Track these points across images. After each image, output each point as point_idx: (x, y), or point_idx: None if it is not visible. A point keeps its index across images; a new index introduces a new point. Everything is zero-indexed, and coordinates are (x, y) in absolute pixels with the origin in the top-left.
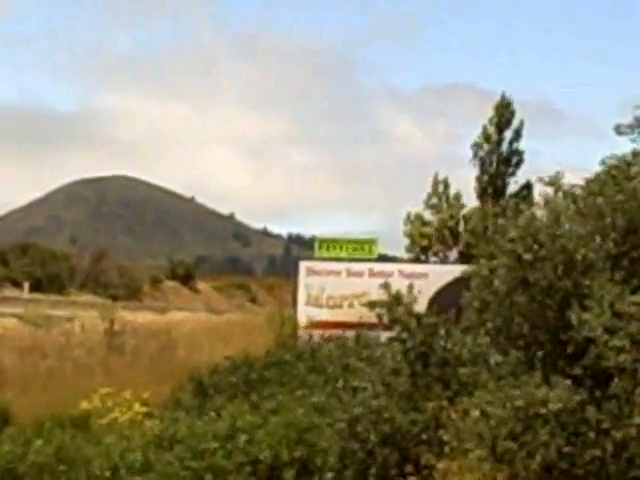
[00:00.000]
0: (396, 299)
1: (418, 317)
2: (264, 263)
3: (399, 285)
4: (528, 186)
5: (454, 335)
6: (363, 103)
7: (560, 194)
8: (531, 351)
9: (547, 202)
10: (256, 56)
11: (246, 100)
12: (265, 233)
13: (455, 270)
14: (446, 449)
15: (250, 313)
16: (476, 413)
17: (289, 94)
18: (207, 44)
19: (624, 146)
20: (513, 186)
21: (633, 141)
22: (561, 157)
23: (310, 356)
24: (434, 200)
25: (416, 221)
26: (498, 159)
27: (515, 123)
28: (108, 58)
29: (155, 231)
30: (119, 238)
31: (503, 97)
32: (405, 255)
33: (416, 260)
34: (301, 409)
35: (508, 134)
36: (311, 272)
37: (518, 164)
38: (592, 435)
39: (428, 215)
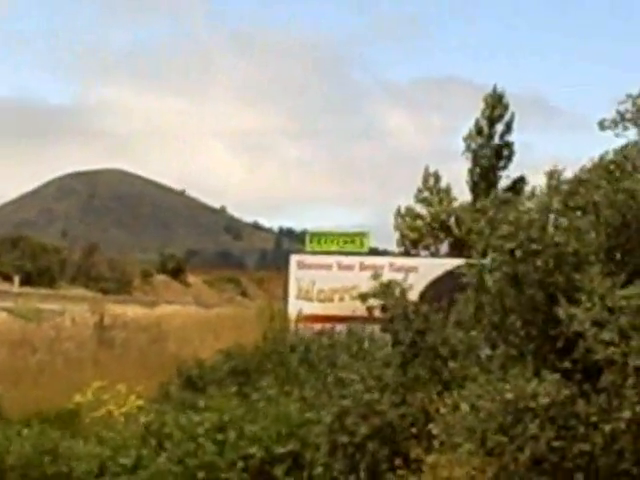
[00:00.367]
0: (388, 287)
1: (414, 304)
2: (255, 257)
3: (390, 278)
4: (521, 179)
5: (447, 327)
6: (358, 98)
7: (554, 187)
8: (522, 345)
9: (538, 196)
10: (252, 52)
11: (241, 95)
12: (256, 227)
13: (446, 263)
14: (435, 443)
15: (241, 307)
16: (466, 407)
17: (284, 89)
18: (204, 40)
19: (615, 140)
20: (505, 180)
21: (617, 136)
22: (554, 151)
23: (301, 350)
24: (425, 194)
25: (407, 215)
26: (490, 152)
27: (507, 116)
28: (105, 54)
29: (146, 224)
30: (110, 231)
31: (494, 90)
32: (396, 249)
33: (407, 254)
34: (292, 404)
35: (500, 127)
36: (302, 265)
37: (510, 157)
38: (581, 429)
39: (419, 209)
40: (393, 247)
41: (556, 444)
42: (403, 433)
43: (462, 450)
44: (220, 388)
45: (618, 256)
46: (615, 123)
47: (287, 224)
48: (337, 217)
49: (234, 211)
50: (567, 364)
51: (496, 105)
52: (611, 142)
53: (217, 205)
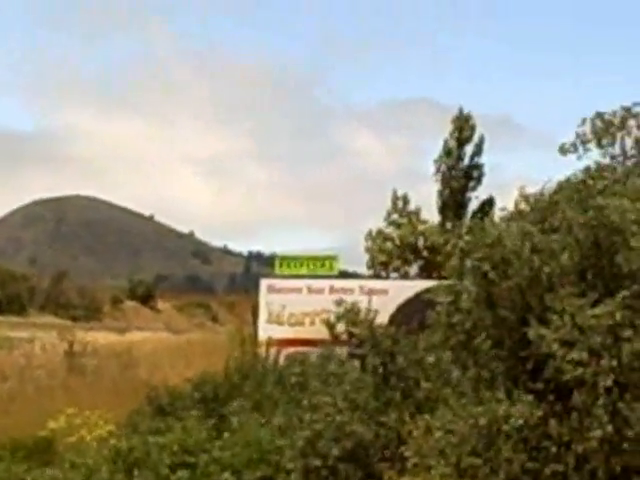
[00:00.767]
0: (351, 310)
1: (380, 328)
2: (224, 281)
3: (360, 301)
4: (490, 201)
5: (417, 349)
6: (323, 120)
7: (528, 210)
8: (492, 366)
9: (512, 219)
10: (216, 75)
11: (207, 119)
12: (225, 251)
13: (416, 286)
14: (408, 465)
15: (211, 332)
16: (439, 433)
17: (250, 112)
18: (166, 63)
19: (582, 159)
20: (474, 201)
21: (579, 158)
22: (522, 170)
23: (272, 376)
24: (394, 216)
25: (377, 237)
26: (459, 174)
27: (476, 137)
28: (66, 77)
29: (115, 250)
30: (79, 258)
31: (461, 111)
32: (366, 271)
33: (376, 276)
34: (263, 429)
35: (469, 148)
36: (272, 290)
37: (479, 178)
38: (554, 449)
39: (389, 231)
40: (363, 269)
41: (529, 466)
42: (376, 455)
43: (435, 472)
44: (190, 415)
45: (589, 276)
46: (575, 147)
47: (256, 248)
48: (306, 240)
49: (202, 235)
50: (539, 385)
51: (464, 127)
52: (573, 161)
53: (185, 230)
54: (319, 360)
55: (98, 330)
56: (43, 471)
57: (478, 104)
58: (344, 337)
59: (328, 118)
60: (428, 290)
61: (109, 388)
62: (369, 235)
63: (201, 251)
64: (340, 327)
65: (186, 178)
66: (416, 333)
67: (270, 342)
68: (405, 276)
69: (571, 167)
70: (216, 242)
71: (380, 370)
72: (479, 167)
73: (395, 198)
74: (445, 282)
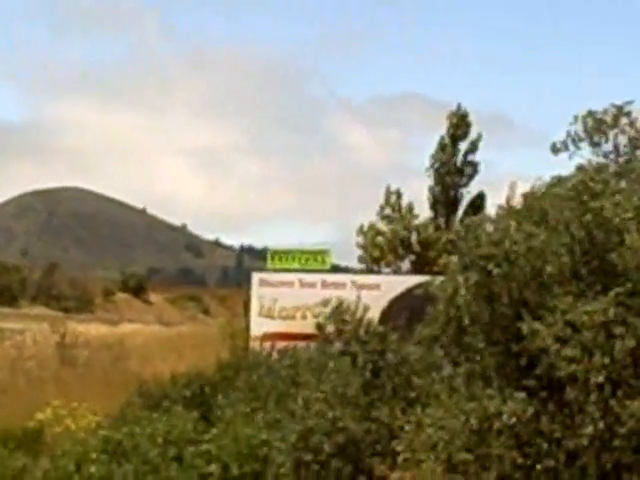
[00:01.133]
0: (339, 309)
1: (368, 326)
2: (216, 274)
3: (352, 296)
4: (480, 196)
5: (407, 345)
6: (315, 114)
7: (518, 205)
8: (485, 363)
9: (510, 216)
10: (207, 68)
11: (197, 111)
12: (217, 244)
13: (408, 281)
14: (399, 460)
15: (202, 325)
16: (430, 429)
17: (241, 105)
18: (159, 56)
19: (576, 156)
20: (466, 197)
21: (570, 158)
22: (514, 166)
23: (262, 369)
24: (387, 211)
25: (369, 232)
26: (451, 170)
27: (472, 135)
28: (58, 69)
29: (107, 243)
30: (71, 250)
31: (459, 108)
32: (358, 266)
33: (369, 271)
34: (252, 423)
35: (463, 145)
36: (264, 283)
37: (472, 175)
38: (545, 446)
39: (381, 226)
40: (355, 264)
41: (521, 462)
42: (367, 450)
43: (426, 467)
44: (180, 407)
45: (585, 275)
46: (566, 145)
47: (248, 241)
48: (298, 234)
49: (195, 229)
50: (531, 381)
51: (460, 124)
52: (569, 159)
53: (178, 223)
54: (311, 354)
55: (90, 322)
56: (34, 461)
57: (470, 100)
58: (334, 336)
59: (321, 112)
60: (422, 285)
61: (100, 380)
62: (361, 230)
63: (193, 244)
64: (329, 327)
65: (178, 171)
66: (406, 328)
67: (265, 337)
68: (397, 271)
69: (563, 164)
70: (208, 235)
71: (370, 367)
72: (474, 164)
73: (388, 193)
74: (440, 277)
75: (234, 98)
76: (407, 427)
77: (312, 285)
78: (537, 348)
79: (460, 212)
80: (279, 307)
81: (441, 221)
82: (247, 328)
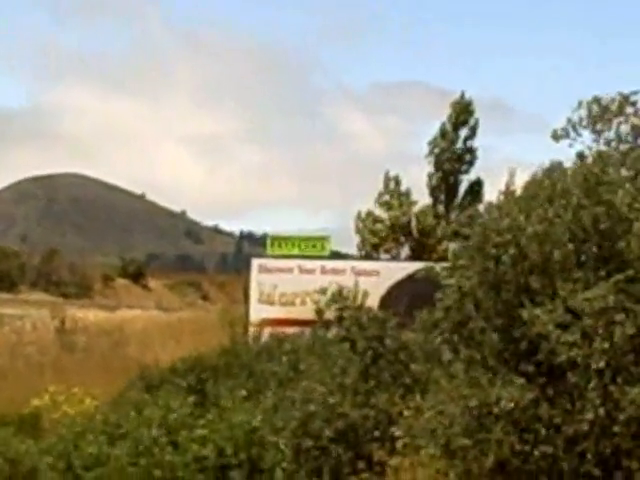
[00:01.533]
0: (339, 295)
1: (368, 311)
2: (216, 260)
3: (351, 282)
4: (478, 183)
5: (406, 331)
6: (315, 101)
7: (533, 195)
8: (485, 348)
9: (520, 203)
10: (208, 54)
11: (199, 98)
12: (217, 230)
13: (407, 267)
14: (398, 445)
15: (202, 311)
16: (430, 414)
17: (241, 93)
18: (159, 43)
19: (576, 143)
20: (464, 183)
21: (571, 145)
22: (512, 153)
23: (262, 355)
24: (385, 197)
25: (367, 218)
26: (451, 156)
27: (472, 121)
28: (58, 56)
29: (106, 229)
30: (70, 236)
31: (462, 96)
32: (357, 252)
33: (368, 257)
34: (247, 411)
35: (463, 132)
36: (263, 269)
37: (472, 162)
38: (544, 431)
39: (380, 212)
40: (354, 250)
41: (519, 448)
42: (366, 436)
43: (425, 453)
44: (179, 393)
45: (590, 262)
46: (566, 132)
47: (247, 228)
48: (298, 220)
49: (194, 215)
50: (531, 367)
51: (463, 111)
52: (565, 145)
53: (177, 209)
54: (309, 340)
55: (89, 307)
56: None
57: (470, 86)
58: (334, 321)
59: (322, 100)
60: (422, 271)
61: (99, 365)
62: (359, 216)
63: (193, 230)
64: (329, 313)
65: (178, 157)
66: (406, 315)
67: (264, 323)
68: (396, 258)
69: (562, 150)
70: (208, 222)
71: (369, 353)
72: (472, 151)
73: (387, 179)
74: (441, 264)
75: (235, 86)
76: (406, 413)
77: (311, 271)
78: (537, 334)
79: (459, 198)
80: (279, 293)
81: (440, 208)
82: (247, 314)
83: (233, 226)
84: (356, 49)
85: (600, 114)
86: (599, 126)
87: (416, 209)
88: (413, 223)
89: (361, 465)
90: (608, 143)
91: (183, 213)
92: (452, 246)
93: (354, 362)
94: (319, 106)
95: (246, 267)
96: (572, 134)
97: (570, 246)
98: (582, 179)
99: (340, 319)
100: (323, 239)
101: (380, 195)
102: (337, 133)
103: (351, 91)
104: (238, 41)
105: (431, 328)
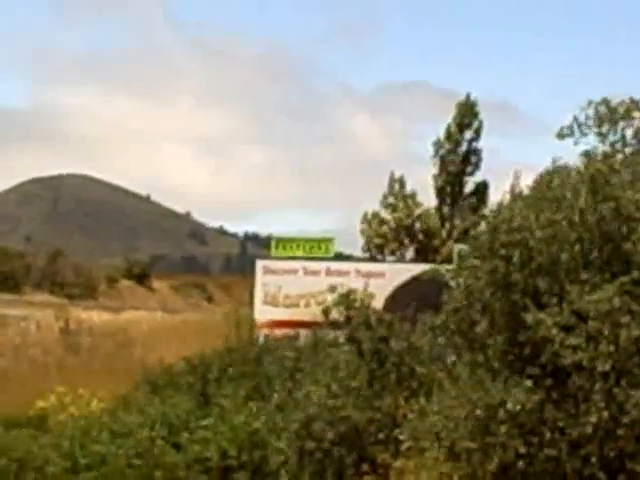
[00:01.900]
0: (348, 297)
1: (376, 314)
2: (220, 262)
3: (356, 284)
4: (484, 184)
5: (412, 333)
6: (320, 102)
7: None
8: (489, 351)
9: (529, 204)
10: (212, 55)
11: (202, 100)
12: (221, 232)
13: (412, 269)
14: (402, 448)
15: (206, 312)
16: (434, 417)
17: (246, 94)
18: (164, 45)
19: (581, 144)
20: (470, 185)
21: (576, 144)
22: (518, 155)
23: (264, 356)
24: (390, 199)
25: (373, 220)
26: (457, 158)
27: (476, 123)
28: (62, 56)
29: (111, 230)
30: (74, 237)
31: (468, 98)
32: (361, 254)
33: (372, 259)
34: (249, 413)
35: (468, 134)
36: (268, 271)
37: (477, 163)
38: (548, 434)
39: (385, 214)
40: (358, 252)
41: (524, 450)
42: (370, 438)
43: (429, 455)
44: (182, 394)
45: (596, 264)
46: (572, 131)
47: (252, 229)
48: (302, 222)
49: (199, 216)
50: (536, 370)
51: (468, 113)
52: (574, 147)
53: (182, 210)
54: (313, 342)
55: (93, 309)
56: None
57: (475, 88)
58: (340, 321)
59: (326, 101)
60: (428, 273)
61: (104, 367)
62: (365, 218)
63: (197, 232)
64: (335, 313)
65: (183, 159)
66: (411, 317)
67: (269, 324)
68: (401, 259)
69: (567, 152)
70: (212, 223)
71: (375, 356)
72: (477, 152)
73: (392, 181)
74: (446, 266)
75: (239, 87)
76: (410, 415)
77: (316, 273)
78: (542, 337)
79: (464, 200)
80: (283, 295)
81: (445, 209)
82: (252, 316)
83: (238, 227)
84: (360, 50)
85: (608, 116)
86: (605, 128)
87: (420, 211)
88: (417, 225)
89: (365, 467)
90: (612, 145)
91: (188, 214)
92: (457, 247)
93: (358, 364)
94: (323, 107)
95: (251, 269)
96: (577, 133)
97: (577, 248)
98: (589, 178)
99: (347, 320)
100: (327, 241)
101: (385, 197)
102: (341, 134)
103: (355, 92)
104: (243, 42)
105: (436, 330)
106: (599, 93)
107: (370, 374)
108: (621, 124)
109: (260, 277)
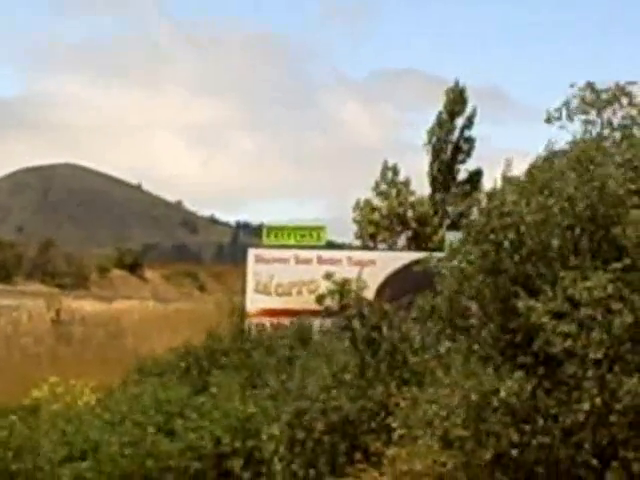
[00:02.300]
0: (343, 285)
1: (369, 302)
2: (212, 251)
3: (348, 272)
4: (478, 172)
5: (405, 321)
6: (311, 89)
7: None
8: (481, 338)
9: (519, 189)
10: (204, 44)
11: (193, 87)
12: (213, 220)
13: (403, 257)
14: (395, 436)
15: (198, 301)
16: (427, 405)
17: (238, 82)
18: (154, 32)
19: (573, 130)
20: (463, 173)
21: (562, 127)
22: (510, 142)
23: (258, 345)
24: (383, 187)
25: (365, 208)
26: (448, 146)
27: (468, 110)
28: (54, 45)
29: (102, 219)
30: (66, 227)
31: (456, 84)
32: (353, 242)
33: (364, 247)
34: (242, 400)
35: (460, 121)
36: (260, 260)
37: (469, 151)
38: (541, 422)
39: (377, 202)
40: (350, 240)
41: (517, 438)
42: (362, 427)
43: (422, 443)
44: (175, 382)
45: (586, 250)
46: (560, 114)
47: (244, 218)
48: (293, 210)
49: (190, 205)
50: (528, 358)
51: (457, 99)
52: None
53: (173, 199)
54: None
55: (85, 298)
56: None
57: (468, 75)
58: (333, 309)
59: (318, 88)
60: (420, 261)
61: (96, 356)
62: (357, 206)
63: (189, 220)
64: (329, 300)
65: (174, 147)
66: (404, 306)
67: (258, 312)
68: (393, 247)
69: (559, 137)
70: (204, 211)
71: (368, 344)
72: (470, 140)
73: (385, 168)
74: (438, 254)
75: (231, 74)
76: (403, 404)
77: (308, 261)
78: (533, 324)
79: (457, 188)
80: (275, 283)
81: (438, 196)
82: (244, 304)
83: (229, 216)
84: (353, 37)
85: (594, 101)
86: (592, 115)
87: (413, 199)
88: (410, 213)
89: (358, 456)
90: (599, 133)
91: (179, 203)
92: (449, 235)
93: (351, 353)
94: (315, 94)
95: (243, 257)
96: (564, 118)
97: (567, 234)
98: (575, 159)
99: (341, 309)
100: (319, 229)
101: (378, 184)
102: (334, 121)
103: (347, 79)
104: (234, 30)
105: (427, 317)
106: (593, 78)
107: (362, 363)
108: (609, 110)
109: (252, 266)
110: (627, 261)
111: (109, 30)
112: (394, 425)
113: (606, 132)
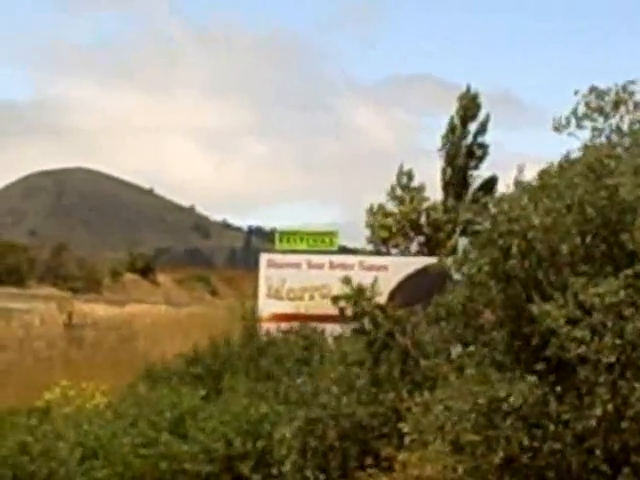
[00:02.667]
0: (359, 292)
1: (383, 309)
2: (224, 255)
3: (360, 277)
4: (492, 179)
5: (417, 327)
6: (324, 94)
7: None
8: (494, 344)
9: (527, 194)
10: (216, 46)
11: (206, 91)
12: (225, 225)
13: (416, 262)
14: (406, 441)
15: (210, 306)
16: (438, 407)
17: (249, 85)
18: (167, 35)
19: (583, 137)
20: (477, 179)
21: (570, 135)
22: (523, 148)
23: (269, 349)
24: (398, 191)
25: (378, 212)
26: (462, 152)
27: (481, 116)
28: (65, 48)
29: (115, 223)
30: (78, 230)
31: (468, 89)
32: (366, 247)
33: (377, 252)
34: (254, 403)
35: (473, 126)
36: (272, 264)
37: (482, 157)
38: (552, 427)
39: (391, 206)
40: (362, 245)
41: (527, 443)
42: (373, 432)
43: (433, 448)
44: (187, 385)
45: (597, 256)
46: (568, 122)
47: (256, 222)
48: (306, 215)
49: (203, 209)
50: (541, 363)
51: (470, 105)
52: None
53: (186, 203)
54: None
55: (97, 302)
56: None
57: (481, 81)
58: (347, 312)
59: (331, 93)
60: (432, 267)
61: (108, 360)
62: (370, 210)
63: (201, 225)
64: (343, 304)
65: (187, 151)
66: (415, 309)
67: (271, 316)
68: (405, 252)
69: (572, 144)
70: (216, 216)
71: (381, 350)
72: (483, 146)
73: (400, 173)
74: (450, 259)
75: (243, 79)
76: (414, 409)
77: (320, 266)
78: (547, 329)
79: (470, 194)
80: (287, 288)
81: (451, 203)
82: (256, 309)
83: (241, 220)
84: (366, 42)
85: (599, 106)
86: (600, 122)
87: (428, 205)
88: (423, 218)
89: (369, 461)
90: (608, 137)
91: (191, 208)
92: (462, 241)
93: (364, 359)
94: (329, 99)
95: (255, 262)
96: (573, 124)
97: (577, 239)
98: (587, 168)
99: (355, 316)
100: (331, 234)
101: (393, 189)
102: (346, 126)
103: (360, 84)
104: (247, 33)
105: (442, 318)
106: (604, 82)
107: (375, 368)
108: (617, 115)
109: (264, 270)
110: (638, 267)
111: (120, 32)
112: (405, 430)
113: (615, 138)
